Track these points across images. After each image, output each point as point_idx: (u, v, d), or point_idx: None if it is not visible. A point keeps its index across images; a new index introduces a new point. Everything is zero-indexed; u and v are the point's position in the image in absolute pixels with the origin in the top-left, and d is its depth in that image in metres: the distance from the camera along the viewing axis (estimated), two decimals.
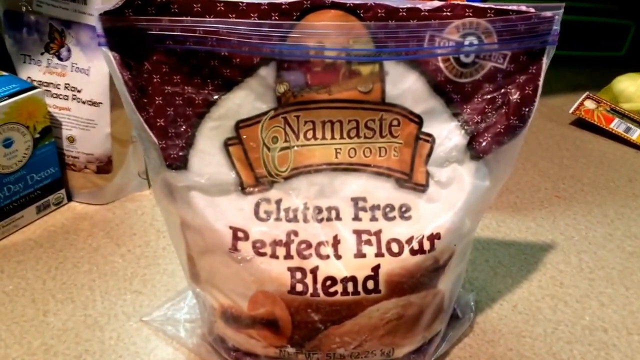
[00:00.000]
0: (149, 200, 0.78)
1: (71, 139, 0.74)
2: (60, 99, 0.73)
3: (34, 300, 0.62)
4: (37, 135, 0.70)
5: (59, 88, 0.73)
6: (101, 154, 0.74)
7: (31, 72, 0.74)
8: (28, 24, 0.72)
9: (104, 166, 0.75)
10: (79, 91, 0.72)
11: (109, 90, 0.71)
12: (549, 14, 0.46)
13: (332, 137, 0.49)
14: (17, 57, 0.74)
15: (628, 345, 0.59)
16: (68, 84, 0.72)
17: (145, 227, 0.73)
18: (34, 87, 0.69)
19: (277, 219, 0.49)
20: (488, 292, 0.65)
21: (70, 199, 0.78)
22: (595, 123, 1.02)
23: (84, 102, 0.72)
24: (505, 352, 0.58)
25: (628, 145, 0.99)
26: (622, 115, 1.02)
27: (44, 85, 0.73)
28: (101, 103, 0.72)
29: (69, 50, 0.72)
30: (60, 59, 0.72)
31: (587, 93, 1.06)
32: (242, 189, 0.49)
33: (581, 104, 1.05)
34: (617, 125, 1.01)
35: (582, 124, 1.05)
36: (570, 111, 1.04)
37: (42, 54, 0.73)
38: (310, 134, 0.49)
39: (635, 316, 0.63)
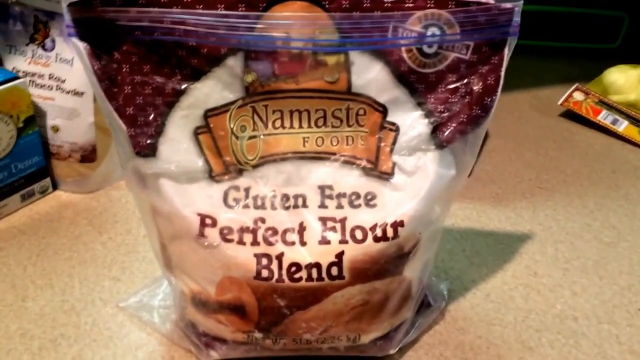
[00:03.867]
0: None
1: (55, 128, 0.75)
2: (45, 89, 0.74)
3: (14, 285, 0.63)
4: (21, 125, 0.71)
5: (43, 78, 0.74)
6: (85, 142, 0.75)
7: (16, 62, 0.75)
8: (13, 15, 0.73)
9: (88, 155, 0.76)
10: (62, 81, 0.73)
11: None
12: (508, 5, 0.47)
13: (300, 126, 0.50)
14: (3, 48, 0.75)
15: (597, 333, 0.60)
16: (52, 74, 0.73)
17: (127, 215, 0.74)
18: (17, 77, 0.70)
19: (245, 206, 0.50)
20: (462, 281, 0.66)
21: (55, 187, 0.79)
22: (583, 115, 1.02)
23: (67, 92, 0.73)
24: (474, 339, 0.59)
25: (615, 137, 0.99)
26: (610, 107, 1.02)
27: (29, 76, 0.74)
28: (84, 93, 0.73)
29: (53, 41, 0.73)
30: (45, 50, 0.74)
31: (576, 85, 1.07)
32: (212, 176, 0.50)
33: (570, 95, 1.05)
34: (604, 117, 1.01)
35: (571, 115, 1.05)
36: (559, 103, 1.05)
37: (27, 44, 0.74)
38: (278, 123, 0.50)
39: (606, 305, 0.63)
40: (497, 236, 0.74)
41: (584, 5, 1.27)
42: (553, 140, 0.98)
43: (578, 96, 1.05)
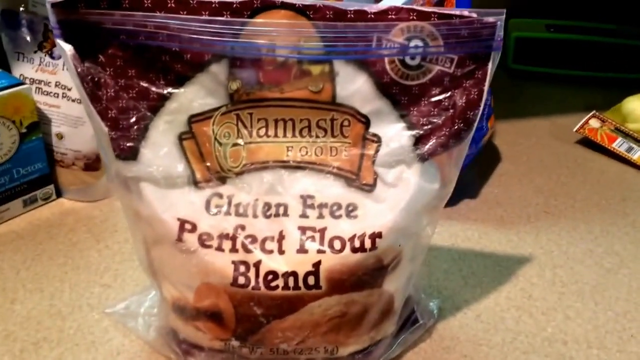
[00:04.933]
0: None
1: (60, 136, 0.76)
2: (51, 96, 0.75)
3: (4, 288, 0.63)
4: (24, 130, 0.72)
5: (49, 86, 0.75)
6: (89, 151, 0.76)
7: (24, 69, 0.76)
8: (23, 23, 0.75)
9: (92, 164, 0.77)
10: (69, 89, 0.74)
11: None
12: (491, 19, 0.47)
13: (284, 135, 0.50)
14: (12, 55, 0.76)
15: (585, 358, 0.59)
16: (59, 82, 0.75)
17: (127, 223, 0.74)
18: (22, 83, 0.71)
19: (227, 213, 0.50)
20: (454, 300, 0.65)
21: (60, 195, 0.79)
22: (598, 142, 1.01)
23: (73, 100, 0.74)
24: (459, 358, 0.58)
25: (629, 165, 0.98)
26: (626, 135, 1.01)
27: (36, 83, 0.75)
28: None
29: None
30: (53, 58, 0.75)
31: (592, 112, 1.05)
32: (195, 183, 0.50)
33: (586, 122, 1.04)
34: (619, 145, 1.00)
35: (587, 143, 1.03)
36: (575, 129, 1.03)
37: (35, 52, 0.75)
38: (262, 132, 0.50)
39: (598, 331, 0.62)
40: (496, 258, 0.73)
41: (608, 35, 1.26)
42: (566, 166, 0.96)
43: (594, 123, 1.04)
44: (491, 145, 0.98)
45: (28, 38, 0.75)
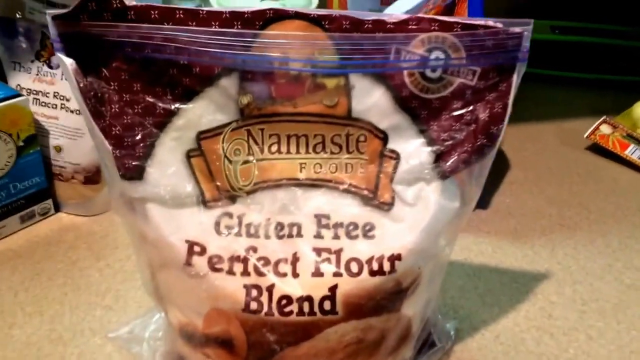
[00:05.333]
0: None
1: (58, 148, 0.73)
2: (49, 107, 0.72)
3: (2, 312, 0.61)
4: (21, 144, 0.70)
5: (47, 96, 0.72)
6: (88, 164, 0.74)
7: (21, 79, 0.73)
8: (20, 31, 0.72)
9: (92, 177, 0.74)
10: (67, 100, 0.72)
11: None
12: (517, 29, 0.44)
13: (297, 152, 0.48)
14: (8, 65, 0.74)
15: None
16: (57, 92, 0.72)
17: (129, 240, 0.71)
18: (19, 95, 0.69)
19: (238, 234, 0.47)
20: (472, 320, 0.63)
21: (58, 209, 0.77)
22: (610, 149, 0.99)
23: (72, 111, 0.72)
24: None
25: None
26: (638, 142, 0.98)
27: (33, 94, 0.72)
28: None
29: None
30: (51, 67, 0.72)
31: (603, 117, 1.03)
32: (203, 202, 0.47)
33: (597, 128, 1.02)
34: (632, 152, 0.97)
35: (598, 149, 1.01)
36: (585, 135, 1.01)
37: (32, 61, 0.73)
38: (274, 148, 0.47)
39: (622, 351, 0.60)
40: (512, 274, 0.70)
41: (614, 36, 1.24)
42: (577, 174, 0.94)
43: (605, 129, 1.02)
44: (498, 150, 0.96)
45: (25, 47, 0.72)
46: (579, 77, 1.25)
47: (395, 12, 0.75)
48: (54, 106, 0.72)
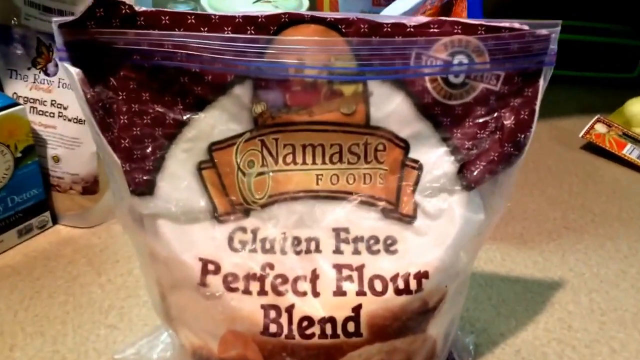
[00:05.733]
0: None
1: (56, 159, 0.71)
2: (46, 116, 0.70)
3: (2, 332, 0.58)
4: (19, 155, 0.67)
5: (45, 105, 0.70)
6: (87, 174, 0.71)
7: (17, 87, 0.71)
8: (16, 38, 0.70)
9: (90, 187, 0.72)
10: (65, 108, 0.69)
11: None
12: (544, 31, 0.42)
13: (314, 162, 0.46)
14: (4, 72, 0.71)
15: None
16: (54, 100, 0.69)
17: (129, 253, 0.69)
18: (16, 104, 0.66)
19: (253, 250, 0.45)
20: (489, 334, 0.60)
21: (55, 221, 0.74)
22: (607, 148, 0.97)
23: (69, 120, 0.69)
24: None
25: None
26: (636, 141, 0.96)
27: (30, 102, 0.70)
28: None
29: (56, 65, 0.69)
30: (47, 74, 0.70)
31: (597, 116, 1.01)
32: (216, 217, 0.45)
33: (591, 127, 1.00)
34: (630, 151, 0.95)
35: (593, 148, 0.99)
36: (580, 135, 0.99)
37: (28, 69, 0.70)
38: (289, 159, 0.45)
39: None
40: (524, 283, 0.68)
41: (602, 34, 1.23)
42: (576, 174, 0.92)
43: (600, 128, 1.00)
44: None
45: (21, 54, 0.70)
46: (568, 75, 1.23)
47: (392, 13, 0.73)
48: (52, 115, 0.70)
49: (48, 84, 0.70)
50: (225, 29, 0.42)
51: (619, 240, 0.77)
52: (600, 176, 0.92)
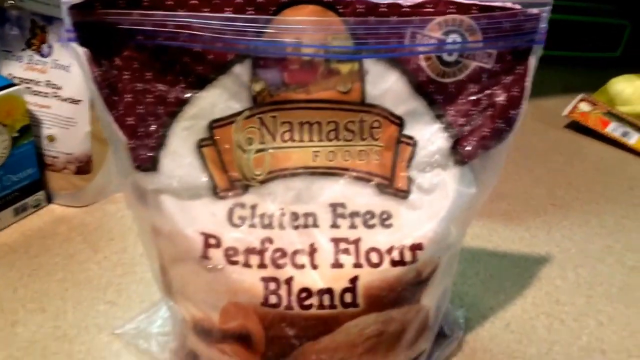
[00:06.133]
0: None
1: (51, 138, 0.71)
2: (41, 96, 0.71)
3: (2, 309, 0.59)
4: (16, 134, 0.68)
5: (39, 85, 0.70)
6: (81, 153, 0.72)
7: (12, 68, 0.72)
8: (10, 19, 0.71)
9: (84, 166, 0.73)
10: (59, 88, 0.70)
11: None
12: (535, 11, 0.44)
13: (310, 139, 0.47)
14: None
15: None
16: (49, 80, 0.70)
17: (123, 230, 0.70)
18: (13, 84, 0.67)
19: (252, 225, 0.46)
20: (479, 308, 0.62)
21: (49, 201, 0.75)
22: (591, 127, 0.99)
23: (64, 100, 0.70)
24: None
25: (626, 150, 0.96)
26: (619, 119, 0.98)
27: (25, 82, 0.71)
28: (81, 101, 0.70)
29: (50, 47, 0.70)
30: (42, 55, 0.70)
31: (581, 95, 1.03)
32: (216, 193, 0.46)
33: (576, 106, 1.02)
34: (614, 130, 0.97)
35: (577, 127, 1.01)
36: (564, 114, 1.01)
37: (23, 50, 0.71)
38: (287, 136, 0.46)
39: (636, 337, 0.59)
40: (512, 258, 0.70)
41: (585, 13, 1.24)
42: (560, 153, 0.94)
43: (584, 107, 1.01)
44: None
45: (15, 35, 0.70)
46: (550, 55, 1.25)
47: None
48: (46, 95, 0.70)
49: (42, 64, 0.70)
50: (226, 9, 0.43)
51: (605, 216, 0.79)
52: (585, 154, 0.94)
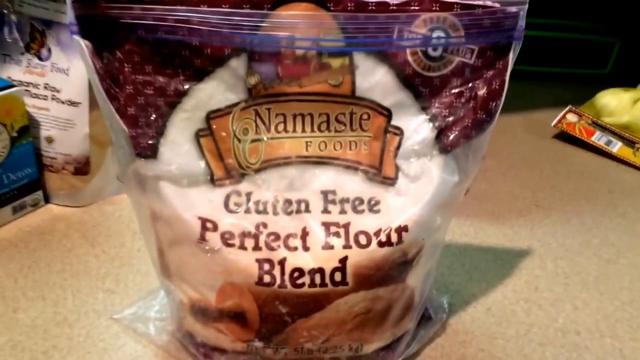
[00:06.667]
0: (127, 204, 0.77)
1: (49, 139, 0.74)
2: (40, 98, 0.73)
3: (4, 297, 0.61)
4: (15, 134, 0.70)
5: (38, 88, 0.73)
6: (79, 154, 0.74)
7: (11, 71, 0.74)
8: (9, 23, 0.73)
9: (82, 167, 0.75)
10: (58, 91, 0.72)
11: (88, 90, 0.71)
12: (513, 9, 0.47)
13: (303, 130, 0.49)
14: None
15: (600, 347, 0.59)
16: (47, 84, 0.73)
17: (121, 228, 0.73)
18: (12, 86, 0.69)
19: (247, 211, 0.49)
20: (462, 295, 0.65)
21: (47, 200, 0.77)
22: (577, 136, 1.02)
23: (63, 102, 0.72)
24: (476, 352, 0.58)
25: (609, 158, 0.99)
26: (604, 129, 1.02)
27: (24, 85, 0.73)
28: (80, 103, 0.72)
29: (49, 50, 0.72)
30: (41, 59, 0.73)
31: (569, 107, 1.07)
32: (213, 180, 0.49)
33: (563, 117, 1.06)
34: (598, 138, 1.01)
35: (564, 137, 1.05)
36: (553, 124, 1.05)
37: (22, 53, 0.73)
38: (281, 127, 0.49)
39: (608, 320, 0.63)
40: (495, 252, 0.73)
41: (576, 31, 1.28)
42: (547, 160, 0.97)
43: (571, 118, 1.05)
44: None
45: (14, 39, 0.73)
46: (542, 71, 1.28)
47: None
48: (45, 97, 0.73)
49: (41, 68, 0.73)
50: (224, 6, 0.45)
51: (584, 215, 0.82)
52: (571, 162, 0.97)
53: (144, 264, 0.66)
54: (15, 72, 0.74)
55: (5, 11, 0.72)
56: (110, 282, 0.64)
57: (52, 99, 0.73)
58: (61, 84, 0.72)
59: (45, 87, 0.73)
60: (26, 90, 0.73)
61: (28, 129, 0.72)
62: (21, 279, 0.64)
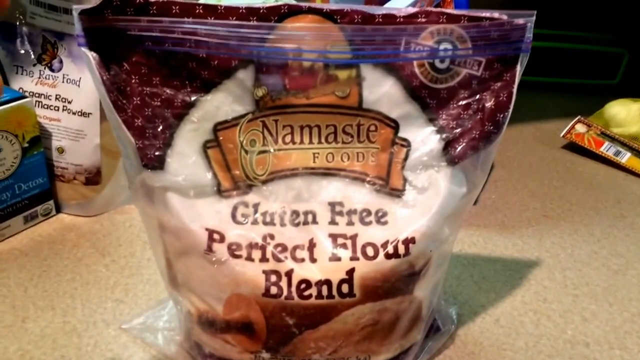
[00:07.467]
0: (137, 213, 0.78)
1: (61, 150, 0.74)
2: (51, 109, 0.73)
3: (14, 306, 0.62)
4: (26, 145, 0.71)
5: (50, 99, 0.73)
6: (90, 165, 0.75)
7: (23, 82, 0.74)
8: (21, 35, 0.73)
9: (93, 177, 0.75)
10: (69, 102, 0.73)
11: (99, 101, 0.71)
12: (521, 21, 0.47)
13: (310, 142, 0.50)
14: (10, 68, 0.74)
15: (609, 359, 0.59)
16: (59, 94, 0.73)
17: (131, 238, 0.73)
18: (24, 97, 0.70)
19: (254, 222, 0.49)
20: (471, 305, 0.65)
21: (59, 210, 0.78)
22: (586, 146, 1.02)
23: (74, 113, 0.73)
24: None
25: (618, 168, 0.99)
26: (612, 139, 1.02)
27: (36, 96, 0.73)
28: (91, 114, 0.72)
29: (60, 62, 0.73)
30: (52, 70, 0.73)
31: (578, 117, 1.07)
32: (220, 191, 0.49)
33: (572, 127, 1.05)
34: (607, 149, 1.01)
35: (573, 148, 1.05)
36: (561, 134, 1.05)
37: (34, 65, 0.74)
38: (288, 138, 0.49)
39: (617, 331, 0.62)
40: (504, 262, 0.73)
41: (585, 42, 1.28)
42: (556, 171, 0.97)
43: (580, 128, 1.05)
44: None
45: (26, 51, 0.73)
46: (552, 82, 1.28)
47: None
48: (56, 108, 0.73)
49: (53, 79, 0.73)
50: (230, 18, 0.46)
51: (593, 226, 0.82)
52: (579, 172, 0.97)
53: (154, 274, 0.67)
54: (27, 83, 0.74)
55: (18, 23, 0.72)
56: (119, 292, 0.64)
57: (64, 109, 0.73)
58: (72, 95, 0.73)
59: (57, 98, 0.73)
60: (37, 101, 0.73)
61: (39, 140, 0.72)
62: (31, 288, 0.64)
